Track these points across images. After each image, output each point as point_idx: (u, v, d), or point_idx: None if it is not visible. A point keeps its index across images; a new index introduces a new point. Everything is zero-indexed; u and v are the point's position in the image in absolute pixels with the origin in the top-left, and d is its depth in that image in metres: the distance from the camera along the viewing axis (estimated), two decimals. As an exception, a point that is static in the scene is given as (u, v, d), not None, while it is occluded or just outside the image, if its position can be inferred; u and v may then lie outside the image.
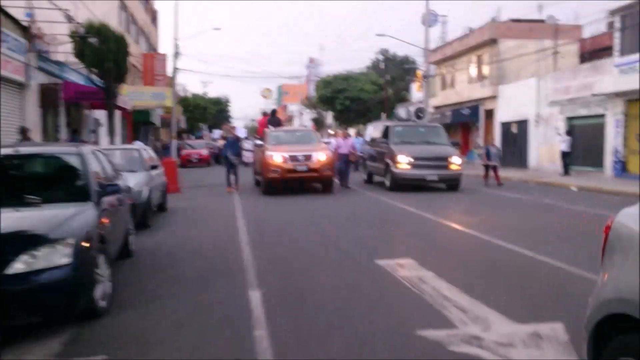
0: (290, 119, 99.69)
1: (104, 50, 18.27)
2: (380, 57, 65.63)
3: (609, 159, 21.85)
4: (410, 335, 4.48)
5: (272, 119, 19.59)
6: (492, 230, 9.40)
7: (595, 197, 15.57)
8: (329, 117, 61.97)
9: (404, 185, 16.48)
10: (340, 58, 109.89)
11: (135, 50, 37.22)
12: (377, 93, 49.94)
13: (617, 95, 20.91)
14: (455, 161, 16.70)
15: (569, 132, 23.72)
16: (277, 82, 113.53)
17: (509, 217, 11.46)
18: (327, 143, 19.71)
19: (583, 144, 23.25)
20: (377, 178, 19.12)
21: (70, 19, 17.53)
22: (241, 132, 39.72)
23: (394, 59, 62.41)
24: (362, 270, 6.77)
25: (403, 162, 16.38)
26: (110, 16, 30.44)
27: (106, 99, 19.79)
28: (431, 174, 16.39)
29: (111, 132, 20.44)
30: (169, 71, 39.86)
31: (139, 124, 37.16)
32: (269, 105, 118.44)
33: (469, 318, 4.84)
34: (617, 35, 20.91)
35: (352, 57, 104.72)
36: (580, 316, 4.96)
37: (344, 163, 18.27)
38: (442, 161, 16.61)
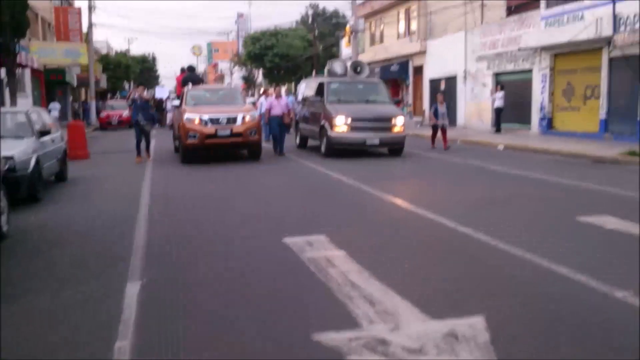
0: (221, 78, 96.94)
1: (-5, 2, 16.36)
2: (310, 12, 64.19)
3: (536, 116, 21.78)
4: (304, 341, 3.71)
5: (190, 75, 17.69)
6: (421, 200, 8.76)
7: (520, 157, 15.32)
8: (260, 74, 60.32)
9: (341, 150, 14.95)
10: (270, 12, 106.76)
11: (46, 4, 34.43)
12: (307, 49, 48.76)
13: (544, 49, 20.69)
14: (399, 122, 15.05)
15: (502, 87, 22.77)
16: (207, 39, 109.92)
17: (445, 184, 10.78)
18: (253, 103, 18.34)
19: (511, 100, 23.04)
20: (312, 142, 17.31)
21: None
22: (163, 92, 37.69)
23: (323, 14, 61.04)
24: (265, 253, 5.94)
25: (340, 124, 14.62)
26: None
27: (4, 56, 17.89)
28: (372, 137, 14.65)
29: (13, 92, 18.58)
30: (85, 26, 37.32)
31: (53, 84, 34.71)
32: (201, 63, 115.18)
33: (377, 313, 4.12)
34: (544, -12, 20.53)
35: (282, 11, 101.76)
36: (505, 304, 4.41)
37: (278, 126, 16.34)
38: (384, 122, 14.92)
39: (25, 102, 28.19)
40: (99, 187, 11.19)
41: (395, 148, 15.35)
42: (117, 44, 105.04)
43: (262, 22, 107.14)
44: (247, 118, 14.23)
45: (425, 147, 17.66)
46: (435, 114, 17.48)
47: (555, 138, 19.20)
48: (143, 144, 15.34)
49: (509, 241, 6.05)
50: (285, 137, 16.75)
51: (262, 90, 37.34)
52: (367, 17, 36.79)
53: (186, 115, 14.10)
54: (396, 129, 15.01)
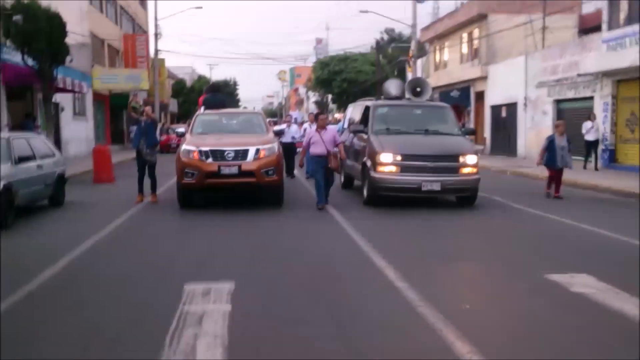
0: (301, 102, 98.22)
1: (31, 30, 16.74)
2: (385, 37, 63.57)
3: (598, 147, 19.75)
4: None
5: (211, 97, 14.00)
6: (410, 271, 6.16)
7: (575, 196, 13.08)
8: (329, 99, 60.25)
9: (387, 197, 11.21)
10: (347, 38, 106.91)
11: (115, 32, 35.83)
12: (378, 75, 48.15)
13: (605, 74, 18.81)
14: (471, 161, 11.19)
15: (594, 117, 19.05)
16: (290, 64, 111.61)
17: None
18: (278, 133, 13.42)
19: (572, 130, 21.09)
20: (358, 182, 13.20)
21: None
22: None
23: (399, 39, 60.18)
24: (146, 300, 5.16)
25: (386, 163, 11.05)
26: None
27: (42, 82, 18.35)
28: (431, 181, 10.82)
29: (48, 117, 19.00)
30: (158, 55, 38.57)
31: (121, 108, 35.89)
32: (286, 88, 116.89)
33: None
34: (605, 7, 18.72)
35: (358, 37, 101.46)
36: None
37: (322, 170, 11.23)
38: (448, 161, 11.08)
39: (85, 125, 29.22)
40: (77, 217, 10.57)
41: (464, 196, 11.52)
42: (203, 70, 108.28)
43: (341, 47, 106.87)
44: (264, 152, 10.96)
45: (508, 189, 14.00)
46: (551, 148, 12.65)
47: (616, 173, 17.25)
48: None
49: (440, 308, 4.93)
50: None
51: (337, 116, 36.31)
52: (432, 41, 35.64)
53: (183, 147, 11.17)
54: (466, 170, 11.14)
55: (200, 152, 10.86)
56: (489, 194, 12.52)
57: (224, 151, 10.87)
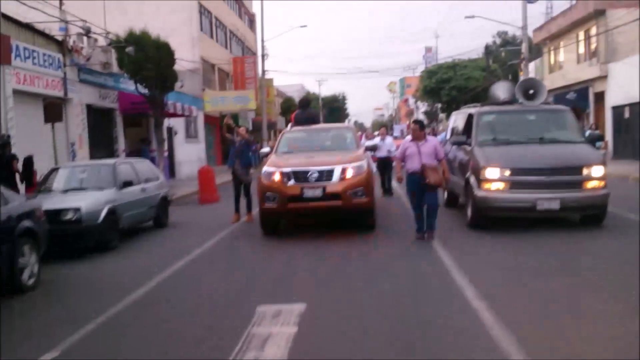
0: (411, 113, 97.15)
1: (141, 59, 17.75)
2: (498, 40, 61.37)
3: None
4: None
5: (301, 113, 12.53)
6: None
7: None
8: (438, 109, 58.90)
9: (495, 219, 9.73)
10: (457, 44, 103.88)
11: (224, 55, 37.34)
12: (488, 80, 46.50)
13: None
14: (596, 173, 9.45)
15: None
16: (397, 76, 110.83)
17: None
18: (371, 149, 12.43)
19: None
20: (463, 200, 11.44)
21: (88, 31, 17.05)
22: None
23: (512, 42, 57.81)
24: (220, 319, 5.09)
25: (493, 179, 9.55)
26: (188, 23, 30.58)
27: (152, 108, 19.38)
28: (548, 199, 9.20)
29: (160, 141, 19.99)
30: (265, 75, 39.66)
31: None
32: (396, 100, 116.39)
33: None
34: None
35: (468, 43, 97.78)
36: None
37: (418, 189, 9.19)
38: (569, 174, 9.41)
39: (197, 147, 30.55)
40: (176, 239, 10.87)
41: (590, 214, 9.79)
42: (313, 87, 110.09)
43: (450, 54, 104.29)
44: (351, 171, 9.79)
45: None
46: None
47: None
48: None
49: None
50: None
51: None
52: (545, 41, 33.80)
53: (264, 168, 10.26)
54: (591, 184, 9.45)
55: (281, 173, 9.87)
56: (618, 208, 10.58)
57: (307, 172, 9.77)
